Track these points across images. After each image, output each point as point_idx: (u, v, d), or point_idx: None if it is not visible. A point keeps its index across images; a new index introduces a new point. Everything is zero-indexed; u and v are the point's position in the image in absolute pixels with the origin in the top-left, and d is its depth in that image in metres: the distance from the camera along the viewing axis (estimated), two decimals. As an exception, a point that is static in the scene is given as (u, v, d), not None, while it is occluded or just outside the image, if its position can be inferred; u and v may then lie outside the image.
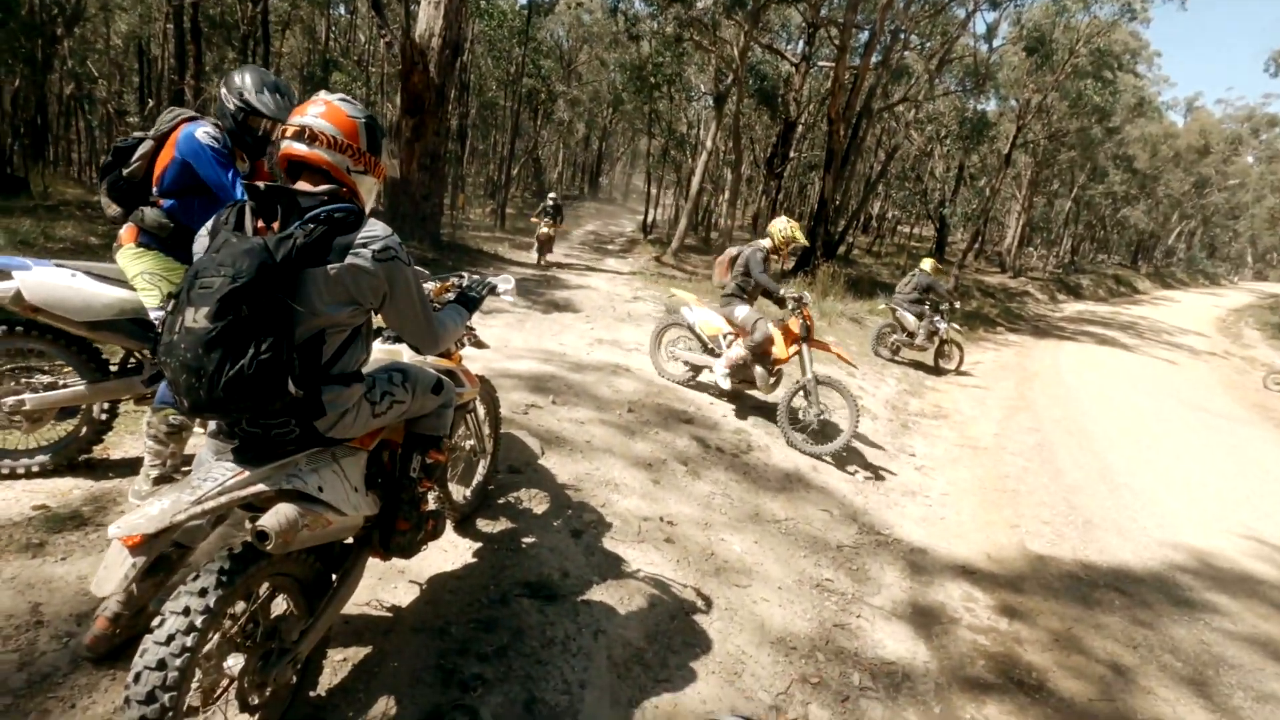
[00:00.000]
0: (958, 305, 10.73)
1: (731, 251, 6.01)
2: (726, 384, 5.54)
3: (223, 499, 1.58)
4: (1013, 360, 12.12)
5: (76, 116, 26.26)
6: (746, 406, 5.91)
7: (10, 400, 2.70)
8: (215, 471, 1.64)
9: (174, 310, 1.55)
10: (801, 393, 5.34)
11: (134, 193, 2.75)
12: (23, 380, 2.77)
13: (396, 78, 13.04)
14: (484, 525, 3.16)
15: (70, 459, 2.90)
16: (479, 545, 3.00)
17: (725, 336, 5.73)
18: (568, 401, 4.99)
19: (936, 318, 9.55)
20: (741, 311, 5.56)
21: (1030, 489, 5.56)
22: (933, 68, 20.81)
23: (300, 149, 1.71)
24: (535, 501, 3.49)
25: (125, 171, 2.73)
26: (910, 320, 9.58)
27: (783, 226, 5.72)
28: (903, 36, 18.87)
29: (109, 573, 1.51)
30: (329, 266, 1.63)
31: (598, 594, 2.85)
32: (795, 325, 5.43)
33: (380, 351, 2.47)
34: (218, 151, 2.62)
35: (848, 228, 23.63)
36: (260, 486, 1.65)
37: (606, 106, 35.39)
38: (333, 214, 1.65)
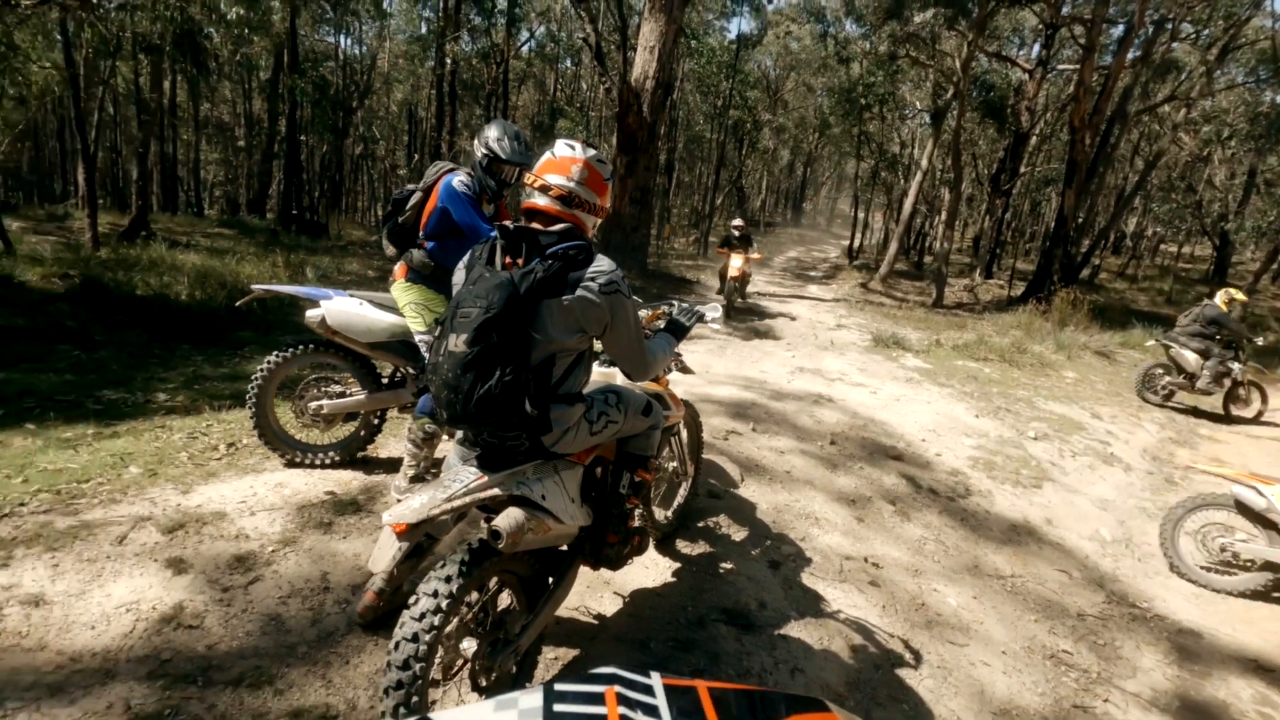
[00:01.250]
0: (1259, 340, 8.60)
1: None
2: None
3: (467, 499, 1.82)
4: (1330, 408, 9.65)
5: (361, 172, 31.92)
6: (968, 446, 5.39)
7: (313, 405, 3.34)
8: (461, 475, 1.88)
9: (440, 335, 1.83)
10: None
11: (406, 236, 3.27)
12: (322, 389, 3.41)
13: (613, 119, 14.06)
14: (683, 546, 3.23)
15: (351, 455, 3.50)
16: (678, 565, 3.07)
17: None
18: (768, 429, 4.95)
19: (1229, 356, 7.81)
20: None
21: (1359, 574, 4.35)
22: (1212, 58, 17.60)
23: (562, 210, 1.92)
24: (733, 528, 3.49)
25: (400, 219, 3.26)
26: (1190, 359, 7.84)
27: None
28: (1170, 26, 16.24)
29: (381, 553, 1.81)
30: (563, 298, 1.82)
31: (795, 630, 2.77)
32: None
33: (597, 374, 2.66)
34: (469, 197, 3.03)
35: (1093, 249, 20.70)
36: (496, 491, 1.87)
37: (812, 131, 34.87)
38: (568, 251, 1.85)
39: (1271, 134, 18.00)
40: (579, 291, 1.83)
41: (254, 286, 3.36)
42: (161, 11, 10.06)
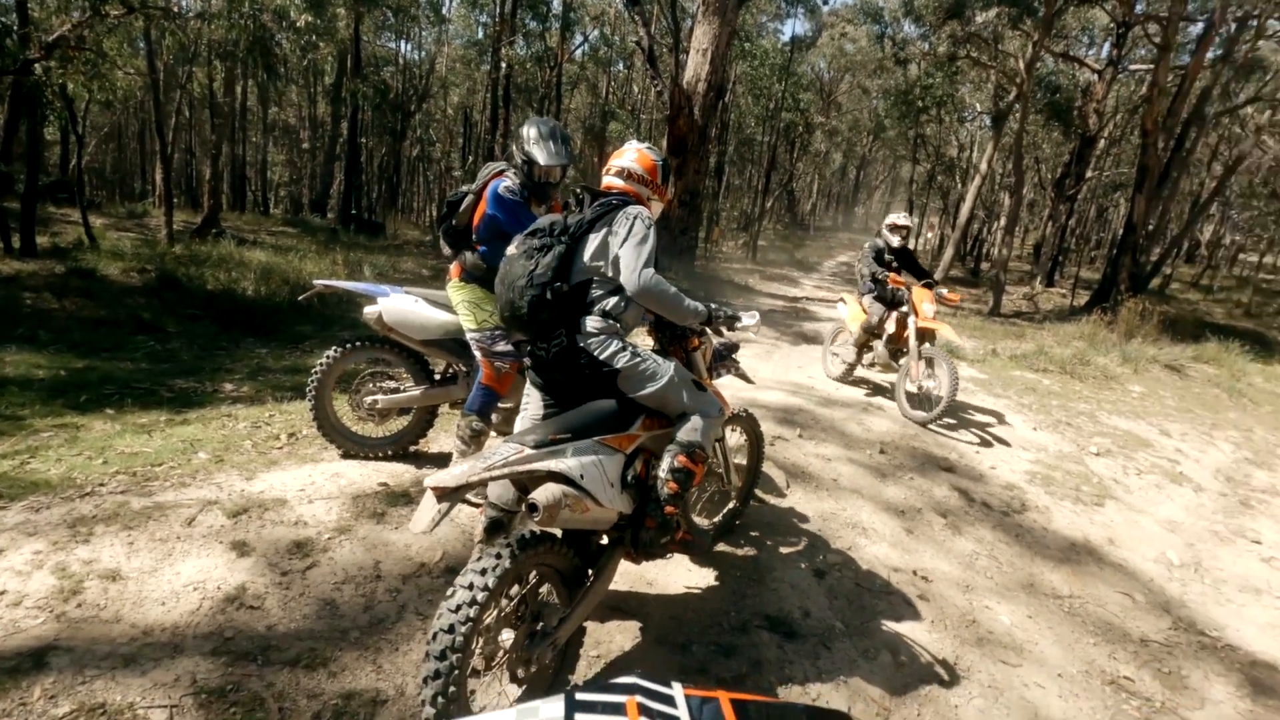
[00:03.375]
0: None
1: None
2: None
3: (505, 470, 1.89)
4: None
5: (418, 173, 32.77)
6: (1025, 460, 5.20)
7: (369, 399, 3.45)
8: (503, 450, 1.94)
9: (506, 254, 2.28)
10: None
11: (460, 237, 3.33)
12: (377, 384, 3.51)
13: (664, 122, 14.08)
14: (727, 552, 3.22)
15: (404, 449, 3.60)
16: (721, 570, 3.06)
17: None
18: (815, 436, 4.88)
19: None
20: None
21: None
22: (1301, 57, 16.56)
23: (619, 183, 2.44)
24: (778, 535, 3.46)
25: (454, 221, 3.32)
26: None
27: None
28: (1254, 23, 15.36)
29: (423, 514, 1.89)
30: (600, 230, 2.24)
31: (840, 641, 2.73)
32: None
33: None
34: (515, 202, 3.07)
35: (1165, 257, 19.72)
36: (534, 465, 1.93)
37: (866, 135, 34.28)
38: (611, 200, 2.33)
39: (1367, 137, 16.82)
40: (613, 224, 2.24)
41: (315, 281, 3.50)
42: (236, 20, 10.55)
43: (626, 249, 2.19)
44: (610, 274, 2.23)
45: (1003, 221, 17.03)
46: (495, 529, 2.23)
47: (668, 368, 2.29)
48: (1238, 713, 2.91)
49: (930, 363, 5.54)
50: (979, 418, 6.10)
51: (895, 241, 6.19)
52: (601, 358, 2.19)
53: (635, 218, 2.23)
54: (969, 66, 18.42)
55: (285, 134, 31.89)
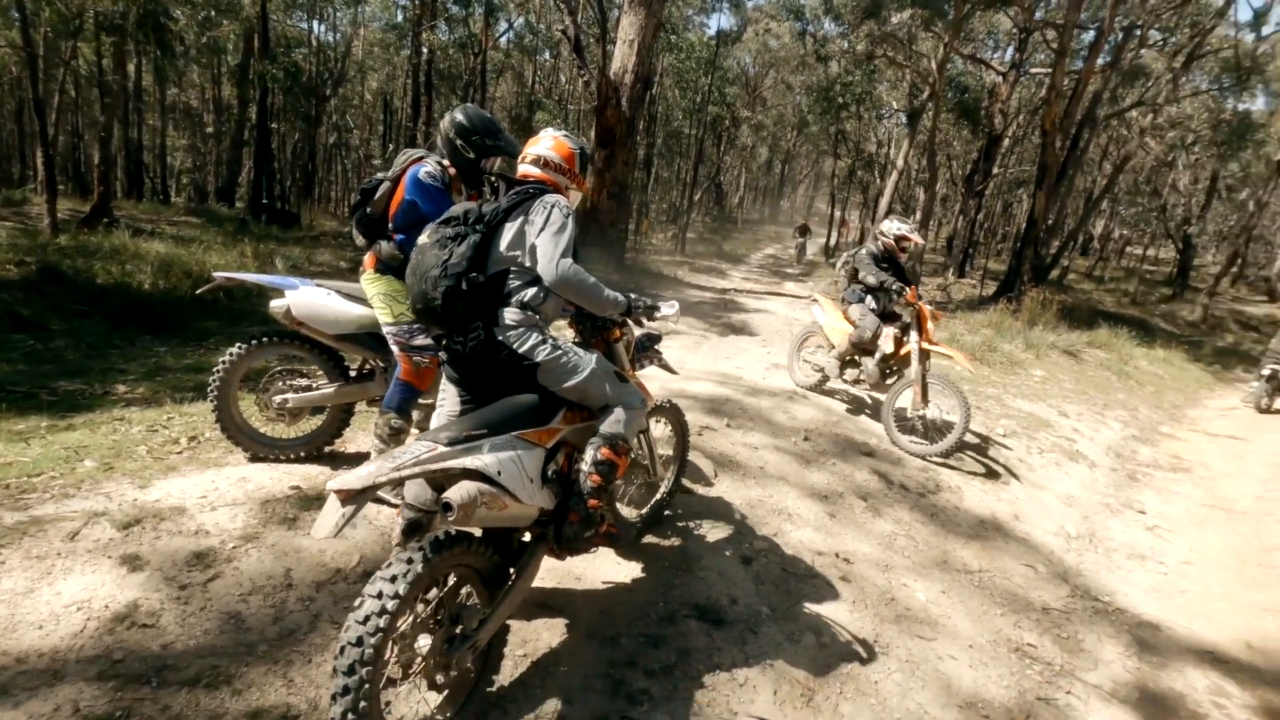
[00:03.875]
0: None
1: None
2: None
3: (416, 469, 1.80)
4: (1285, 408, 9.95)
5: (335, 161, 31.36)
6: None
7: (278, 398, 3.25)
8: (415, 448, 1.86)
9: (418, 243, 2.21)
10: None
11: (375, 226, 3.16)
12: (287, 382, 3.32)
13: (592, 113, 13.95)
14: (654, 542, 3.22)
15: (318, 449, 3.42)
16: (649, 562, 3.06)
17: None
18: (742, 425, 4.95)
19: None
20: None
21: (1310, 568, 4.50)
22: (1177, 65, 18.03)
23: (535, 172, 2.36)
24: (706, 524, 3.49)
25: (369, 209, 3.16)
26: None
27: None
28: (1138, 33, 16.59)
29: (326, 519, 1.77)
30: (517, 220, 2.19)
31: (767, 625, 2.78)
32: None
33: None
34: (437, 189, 2.95)
35: (1062, 250, 21.09)
36: (448, 464, 1.84)
37: (790, 130, 35.09)
38: (529, 188, 2.25)
39: (1233, 141, 18.50)
40: (530, 213, 2.18)
41: (215, 274, 3.26)
42: (124, -10, 9.74)
43: (544, 238, 2.13)
44: (528, 264, 2.17)
45: (918, 215, 17.82)
46: (413, 530, 2.14)
47: (589, 360, 2.26)
48: (1126, 670, 3.15)
49: (926, 389, 5.07)
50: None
51: (903, 258, 5.57)
52: (521, 351, 2.13)
53: (553, 206, 2.17)
54: (886, 65, 19.15)
55: (186, 117, 29.81)
